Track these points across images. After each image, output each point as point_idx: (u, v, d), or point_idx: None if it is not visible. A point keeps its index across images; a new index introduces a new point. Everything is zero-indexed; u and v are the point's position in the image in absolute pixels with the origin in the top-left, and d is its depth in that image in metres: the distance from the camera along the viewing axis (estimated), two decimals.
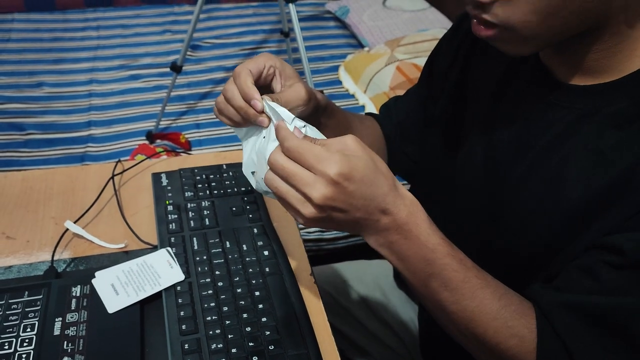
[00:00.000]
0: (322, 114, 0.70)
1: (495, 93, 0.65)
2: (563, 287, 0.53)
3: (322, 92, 0.71)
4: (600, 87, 0.54)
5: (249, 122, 0.61)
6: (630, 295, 0.48)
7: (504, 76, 0.64)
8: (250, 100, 0.59)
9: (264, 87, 0.64)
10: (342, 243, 1.43)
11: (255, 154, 0.61)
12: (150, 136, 1.71)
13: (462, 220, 0.69)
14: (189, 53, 2.18)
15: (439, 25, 2.19)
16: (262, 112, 0.59)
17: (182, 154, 1.39)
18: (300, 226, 0.95)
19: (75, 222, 0.77)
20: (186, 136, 1.72)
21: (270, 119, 0.59)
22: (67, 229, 0.76)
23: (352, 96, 1.94)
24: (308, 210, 0.49)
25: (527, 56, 0.60)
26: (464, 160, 0.68)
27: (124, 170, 0.89)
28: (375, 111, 1.85)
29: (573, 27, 0.51)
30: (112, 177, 0.86)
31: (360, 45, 2.27)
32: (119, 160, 0.90)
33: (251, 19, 2.50)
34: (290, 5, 1.47)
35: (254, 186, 0.63)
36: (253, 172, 0.63)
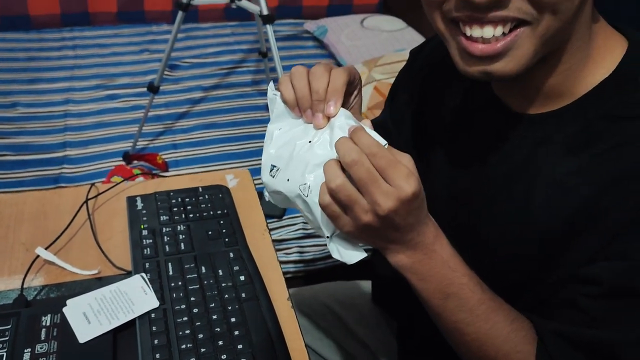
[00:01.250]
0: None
1: (454, 126, 0.65)
2: (550, 323, 0.53)
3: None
4: (551, 114, 0.55)
5: (302, 111, 0.56)
6: (615, 326, 0.48)
7: (461, 108, 0.64)
8: (330, 100, 0.54)
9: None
10: (321, 264, 1.42)
11: (291, 153, 0.56)
12: (127, 157, 1.69)
13: None
14: (167, 73, 2.17)
15: (416, 44, 2.21)
16: (328, 117, 0.55)
17: (158, 175, 1.38)
18: (278, 247, 0.93)
19: (46, 248, 0.76)
20: (163, 157, 1.71)
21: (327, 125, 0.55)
22: (38, 256, 0.74)
23: None
24: (368, 218, 0.49)
25: (488, 84, 0.60)
26: (430, 194, 0.69)
27: (99, 194, 0.87)
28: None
29: (562, 37, 0.51)
30: (86, 201, 0.84)
31: (338, 64, 2.29)
32: (93, 184, 0.88)
33: (229, 38, 2.50)
34: (268, 26, 1.47)
35: (263, 179, 0.58)
36: (274, 167, 0.57)
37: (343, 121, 0.54)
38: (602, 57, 0.52)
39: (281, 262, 0.77)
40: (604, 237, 0.48)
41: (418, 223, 0.51)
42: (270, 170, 0.57)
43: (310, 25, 2.55)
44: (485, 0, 0.46)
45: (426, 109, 0.71)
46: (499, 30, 0.48)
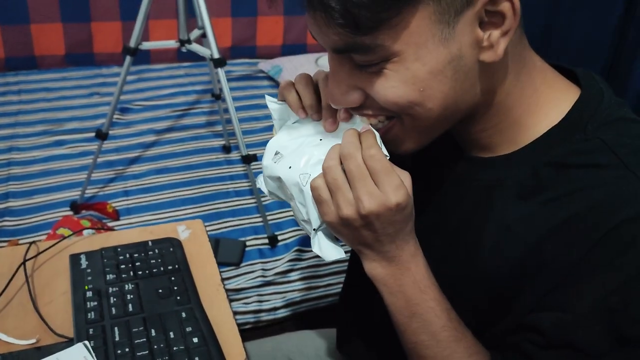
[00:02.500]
0: None
1: (417, 165, 0.64)
2: None
3: None
4: (501, 159, 0.55)
5: (311, 116, 0.58)
6: None
7: (424, 150, 0.64)
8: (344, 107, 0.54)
9: None
10: (282, 312, 1.37)
11: (298, 145, 0.57)
12: (75, 207, 1.62)
13: None
14: (117, 116, 2.12)
15: None
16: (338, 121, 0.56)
17: (105, 228, 1.32)
18: (233, 297, 0.89)
19: None
20: (114, 205, 1.64)
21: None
22: None
23: None
24: (349, 211, 0.51)
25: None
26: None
27: (38, 253, 0.81)
28: None
29: (448, 118, 0.52)
30: (24, 263, 0.78)
31: None
32: (33, 242, 0.82)
33: (183, 79, 2.48)
34: (219, 69, 1.46)
35: (264, 163, 0.59)
36: (278, 153, 0.58)
37: (358, 122, 0.55)
38: (548, 107, 0.53)
39: (239, 313, 0.73)
40: (547, 285, 0.48)
41: (398, 237, 0.53)
42: (274, 155, 0.58)
43: (264, 65, 2.56)
44: (339, 105, 0.52)
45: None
46: (374, 121, 0.53)
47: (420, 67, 0.47)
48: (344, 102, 0.52)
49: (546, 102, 0.53)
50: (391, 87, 0.48)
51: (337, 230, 0.53)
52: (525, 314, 0.50)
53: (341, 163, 0.52)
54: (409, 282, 0.54)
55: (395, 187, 0.50)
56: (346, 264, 0.86)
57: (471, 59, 0.48)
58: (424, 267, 0.55)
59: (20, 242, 1.46)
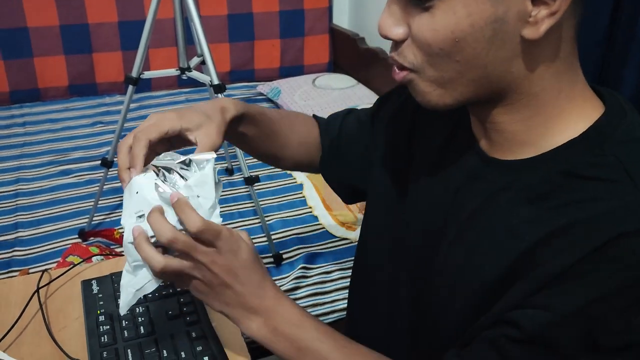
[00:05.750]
0: (237, 125, 0.72)
1: (435, 162, 0.67)
2: (470, 357, 0.54)
3: (239, 102, 0.73)
4: (516, 162, 0.56)
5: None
6: None
7: (443, 146, 0.66)
8: (131, 166, 0.61)
9: (179, 140, 0.66)
10: None
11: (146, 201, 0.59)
12: (83, 234, 1.64)
13: (398, 273, 0.70)
14: None
15: (367, 100, 2.28)
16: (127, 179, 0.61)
17: (114, 254, 1.34)
18: None
19: None
20: (121, 231, 1.66)
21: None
22: None
23: (290, 175, 1.96)
24: (197, 272, 0.58)
25: (469, 126, 0.62)
26: (406, 226, 0.70)
27: (51, 281, 0.84)
28: (312, 190, 1.86)
29: (476, 82, 0.53)
30: (37, 290, 0.81)
31: None
32: (45, 270, 0.85)
33: (184, 105, 2.52)
34: (220, 95, 1.49)
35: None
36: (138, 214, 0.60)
37: (145, 183, 0.59)
38: (577, 118, 0.54)
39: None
40: (535, 284, 0.50)
41: (257, 288, 0.59)
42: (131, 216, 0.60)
43: (263, 88, 2.60)
44: (386, 34, 0.54)
45: (415, 139, 0.72)
46: (398, 64, 0.56)
47: (464, 17, 0.49)
48: (390, 34, 0.54)
49: (577, 112, 0.54)
50: (432, 28, 0.50)
51: (208, 301, 0.60)
52: (507, 311, 0.51)
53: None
54: (282, 324, 0.59)
55: (232, 246, 0.57)
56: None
57: (513, 29, 0.49)
58: (290, 304, 0.60)
59: (31, 271, 1.48)
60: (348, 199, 0.90)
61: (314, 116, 0.89)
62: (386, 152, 0.76)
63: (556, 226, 0.49)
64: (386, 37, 0.55)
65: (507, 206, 0.55)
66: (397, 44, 0.55)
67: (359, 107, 2.37)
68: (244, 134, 0.75)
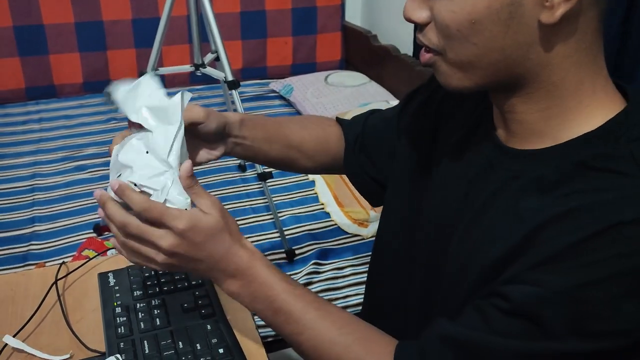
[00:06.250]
0: (240, 128, 0.75)
1: (455, 153, 0.67)
2: (458, 322, 0.56)
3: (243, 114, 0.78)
4: (532, 152, 0.57)
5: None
6: (503, 338, 0.51)
7: (464, 139, 0.67)
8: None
9: None
10: None
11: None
12: (98, 229, 1.66)
13: (414, 265, 0.72)
14: None
15: (379, 98, 2.28)
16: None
17: None
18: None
19: (14, 336, 0.73)
20: None
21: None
22: (6, 344, 0.71)
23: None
24: (161, 258, 0.60)
25: (491, 115, 0.63)
26: (424, 217, 0.71)
27: (69, 273, 0.85)
28: (324, 186, 1.87)
29: (494, 66, 0.54)
30: (55, 282, 0.82)
31: None
32: (63, 263, 0.86)
33: (197, 101, 2.53)
34: (234, 91, 1.50)
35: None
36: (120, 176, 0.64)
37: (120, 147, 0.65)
38: (596, 111, 0.54)
39: (262, 326, 0.76)
40: (529, 263, 0.50)
41: (226, 253, 0.61)
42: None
43: (276, 85, 2.60)
44: (410, 17, 0.56)
45: (438, 132, 0.72)
46: (425, 47, 0.57)
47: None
48: (413, 16, 0.55)
49: (596, 106, 0.54)
50: (450, 10, 0.52)
51: (173, 269, 0.63)
52: (502, 285, 0.52)
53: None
54: (258, 286, 0.62)
55: (174, 217, 0.59)
56: (364, 275, 0.88)
57: (530, 13, 0.49)
58: (264, 266, 0.63)
59: (47, 265, 1.51)
60: (371, 198, 0.90)
61: (336, 118, 0.90)
62: (409, 146, 0.76)
63: (560, 211, 0.50)
64: (410, 20, 0.56)
65: (518, 194, 0.56)
66: (422, 27, 0.56)
67: (371, 105, 2.38)
68: (249, 138, 0.76)
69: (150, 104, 0.65)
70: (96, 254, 1.06)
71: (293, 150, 0.82)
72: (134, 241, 0.61)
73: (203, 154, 0.74)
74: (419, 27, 0.57)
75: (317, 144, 0.84)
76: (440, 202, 0.67)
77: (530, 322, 0.50)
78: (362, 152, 0.85)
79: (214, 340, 0.70)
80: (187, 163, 0.61)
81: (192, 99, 0.68)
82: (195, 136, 0.72)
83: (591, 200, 0.49)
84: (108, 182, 0.61)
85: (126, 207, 0.62)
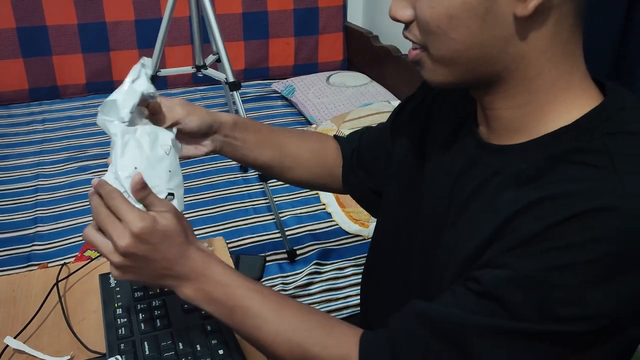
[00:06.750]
0: (231, 129, 0.76)
1: (443, 152, 0.68)
2: (433, 302, 0.57)
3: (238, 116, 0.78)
4: (510, 147, 0.58)
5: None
6: (480, 317, 0.52)
7: (451, 138, 0.68)
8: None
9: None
10: None
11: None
12: None
13: (409, 266, 0.73)
14: None
15: (381, 98, 2.28)
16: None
17: None
18: None
19: (15, 337, 0.73)
20: None
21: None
22: (7, 345, 0.72)
23: None
24: (116, 258, 0.58)
25: (474, 113, 0.64)
26: (417, 216, 0.71)
27: (70, 274, 0.86)
28: None
29: (474, 62, 0.55)
30: (56, 283, 0.83)
31: (307, 122, 2.33)
32: (64, 264, 0.87)
33: (200, 102, 2.54)
34: (235, 92, 1.51)
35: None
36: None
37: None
38: (572, 107, 0.55)
39: None
40: (501, 248, 0.51)
41: (180, 256, 0.60)
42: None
43: (278, 85, 2.61)
44: (395, 16, 0.57)
45: (428, 132, 0.73)
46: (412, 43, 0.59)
47: None
48: (397, 15, 0.57)
49: (573, 101, 0.55)
50: (429, 6, 0.53)
51: (132, 279, 0.61)
52: (476, 269, 0.53)
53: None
54: (213, 286, 0.61)
55: (137, 216, 0.57)
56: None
57: (505, 7, 0.51)
58: (217, 266, 0.62)
59: (50, 265, 1.51)
60: (371, 208, 0.90)
61: (334, 135, 0.91)
62: (403, 146, 0.77)
63: (532, 199, 0.51)
64: (395, 19, 0.58)
65: (496, 189, 0.57)
66: (407, 25, 0.58)
67: (373, 105, 2.38)
68: (239, 139, 0.77)
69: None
70: (98, 254, 1.06)
71: (288, 159, 0.83)
72: (99, 230, 0.61)
73: (190, 148, 0.75)
74: (405, 26, 0.59)
75: (314, 156, 0.85)
76: (431, 199, 0.68)
77: (497, 304, 0.51)
78: (359, 164, 0.85)
79: (214, 342, 0.71)
80: (137, 176, 0.60)
81: (194, 100, 0.69)
82: (182, 132, 0.73)
83: (564, 189, 0.50)
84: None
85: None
